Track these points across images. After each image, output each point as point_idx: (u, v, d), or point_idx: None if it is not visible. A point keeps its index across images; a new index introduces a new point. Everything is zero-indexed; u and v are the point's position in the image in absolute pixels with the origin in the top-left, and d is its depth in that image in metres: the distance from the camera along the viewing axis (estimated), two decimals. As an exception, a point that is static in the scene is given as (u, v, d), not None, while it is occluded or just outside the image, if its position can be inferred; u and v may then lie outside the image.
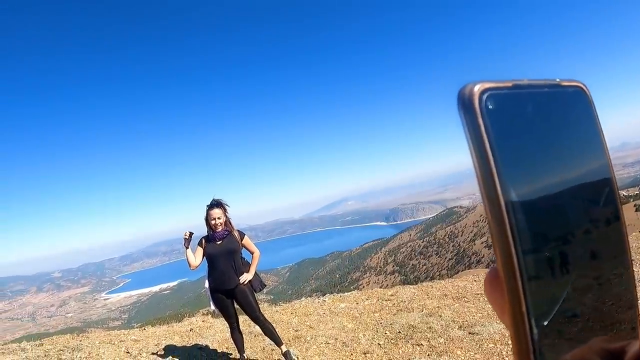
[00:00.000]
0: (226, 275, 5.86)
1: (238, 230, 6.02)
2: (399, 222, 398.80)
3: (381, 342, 6.50)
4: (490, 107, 0.57)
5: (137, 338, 8.30)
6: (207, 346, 7.40)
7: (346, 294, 10.76)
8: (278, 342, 6.15)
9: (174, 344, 7.63)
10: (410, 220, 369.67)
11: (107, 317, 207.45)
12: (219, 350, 7.15)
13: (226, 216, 5.97)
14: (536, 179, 0.59)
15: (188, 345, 7.51)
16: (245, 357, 6.23)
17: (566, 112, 0.63)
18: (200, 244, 5.99)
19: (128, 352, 7.13)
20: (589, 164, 0.62)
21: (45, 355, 7.20)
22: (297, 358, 6.23)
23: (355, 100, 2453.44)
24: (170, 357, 6.81)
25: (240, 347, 6.18)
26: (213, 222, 5.82)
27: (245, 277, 5.89)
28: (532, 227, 0.58)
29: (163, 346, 7.44)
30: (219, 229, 5.84)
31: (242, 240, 6.00)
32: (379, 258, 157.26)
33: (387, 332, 6.87)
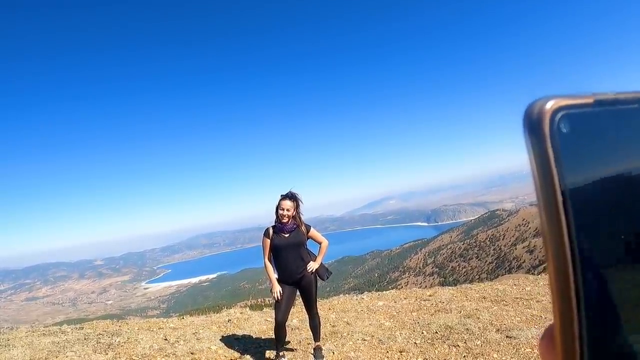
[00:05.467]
0: (293, 267, 5.95)
1: (305, 224, 6.09)
2: (440, 223, 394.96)
3: (417, 342, 6.49)
4: (564, 130, 0.47)
5: (175, 326, 8.41)
6: (243, 336, 7.49)
7: (384, 292, 10.76)
8: (317, 337, 6.25)
9: (212, 333, 7.70)
10: (451, 221, 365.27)
11: (146, 306, 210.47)
12: (255, 342, 7.23)
13: (297, 211, 6.04)
14: (623, 231, 0.47)
15: (225, 335, 7.58)
16: (281, 354, 6.23)
17: None
18: (267, 234, 6.04)
19: (166, 339, 7.22)
20: None
21: (85, 338, 7.36)
22: (324, 355, 6.29)
23: (401, 99, 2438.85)
24: (207, 346, 6.89)
25: (281, 341, 6.21)
26: (281, 211, 5.89)
27: (313, 266, 6.01)
28: (604, 294, 0.47)
29: (200, 335, 7.51)
30: (285, 220, 5.90)
31: (308, 233, 6.10)
32: (418, 259, 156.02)
33: (424, 331, 6.85)
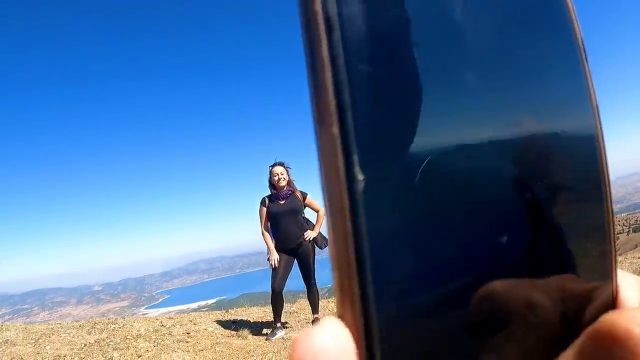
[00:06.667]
0: (291, 234, 5.95)
1: (300, 191, 6.09)
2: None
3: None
4: None
5: (173, 317, 8.41)
6: (241, 320, 7.48)
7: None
8: (315, 309, 6.24)
9: (209, 319, 7.71)
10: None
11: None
12: (252, 324, 7.19)
13: (289, 176, 6.05)
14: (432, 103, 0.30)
15: (222, 320, 7.56)
16: (279, 326, 6.24)
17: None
18: (263, 203, 6.08)
19: (162, 325, 7.22)
20: (550, 106, 0.33)
21: (79, 326, 7.36)
22: None
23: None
24: (204, 327, 6.88)
25: (279, 313, 6.20)
26: (276, 177, 5.91)
27: (310, 234, 5.99)
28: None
29: (197, 321, 7.50)
30: (282, 184, 5.93)
31: (304, 200, 6.10)
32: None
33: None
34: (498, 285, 0.31)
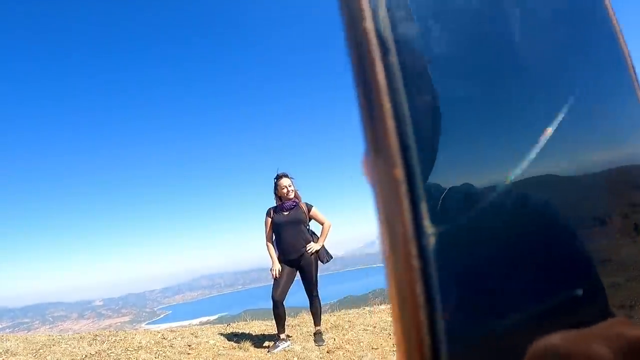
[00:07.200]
0: (293, 244, 5.93)
1: (305, 203, 6.10)
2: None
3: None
4: None
5: (175, 329, 8.39)
6: (242, 334, 7.41)
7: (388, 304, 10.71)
8: (317, 321, 6.27)
9: (210, 333, 7.65)
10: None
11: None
12: (255, 337, 7.15)
13: (294, 188, 6.08)
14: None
15: (224, 333, 7.52)
16: (281, 337, 6.19)
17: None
18: (268, 214, 6.10)
19: (164, 338, 7.19)
20: (610, 135, 0.33)
21: (80, 337, 7.33)
22: (325, 340, 6.27)
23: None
24: (205, 340, 6.86)
25: (281, 324, 6.17)
26: (284, 190, 5.93)
27: (313, 247, 5.97)
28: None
29: (199, 334, 7.46)
30: (291, 196, 5.96)
31: (309, 212, 6.10)
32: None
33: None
34: (558, 339, 0.27)
